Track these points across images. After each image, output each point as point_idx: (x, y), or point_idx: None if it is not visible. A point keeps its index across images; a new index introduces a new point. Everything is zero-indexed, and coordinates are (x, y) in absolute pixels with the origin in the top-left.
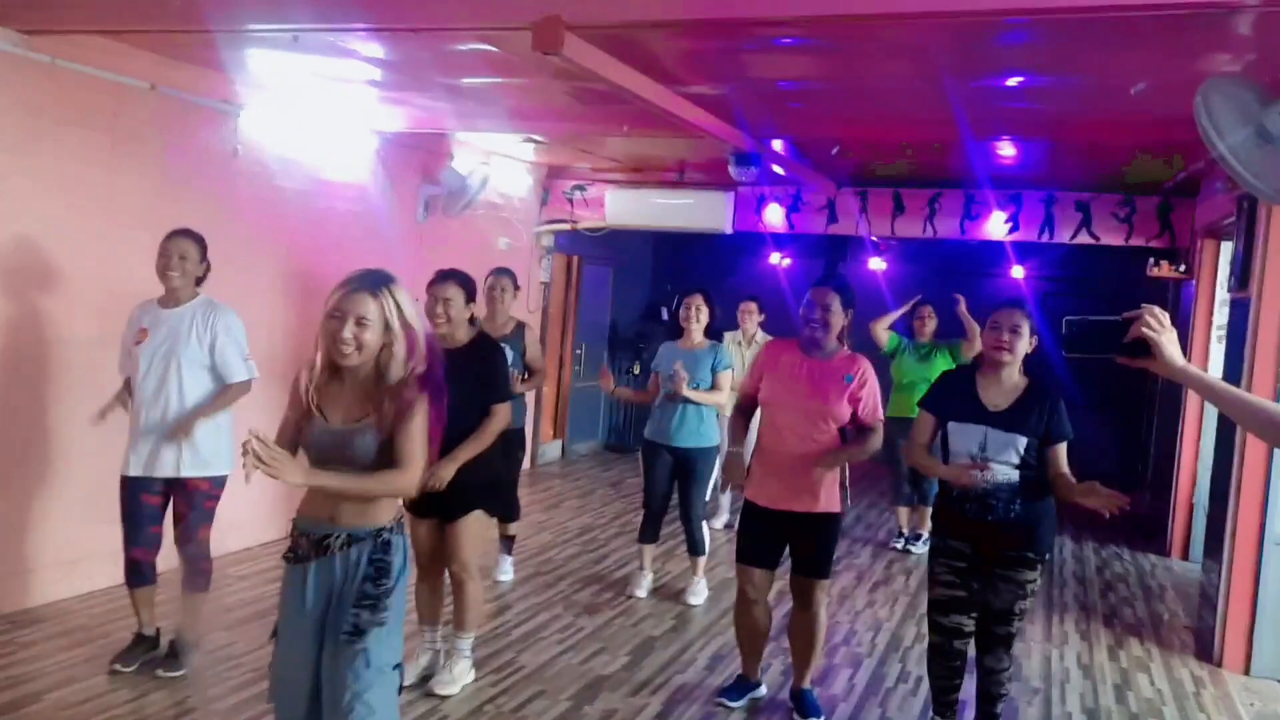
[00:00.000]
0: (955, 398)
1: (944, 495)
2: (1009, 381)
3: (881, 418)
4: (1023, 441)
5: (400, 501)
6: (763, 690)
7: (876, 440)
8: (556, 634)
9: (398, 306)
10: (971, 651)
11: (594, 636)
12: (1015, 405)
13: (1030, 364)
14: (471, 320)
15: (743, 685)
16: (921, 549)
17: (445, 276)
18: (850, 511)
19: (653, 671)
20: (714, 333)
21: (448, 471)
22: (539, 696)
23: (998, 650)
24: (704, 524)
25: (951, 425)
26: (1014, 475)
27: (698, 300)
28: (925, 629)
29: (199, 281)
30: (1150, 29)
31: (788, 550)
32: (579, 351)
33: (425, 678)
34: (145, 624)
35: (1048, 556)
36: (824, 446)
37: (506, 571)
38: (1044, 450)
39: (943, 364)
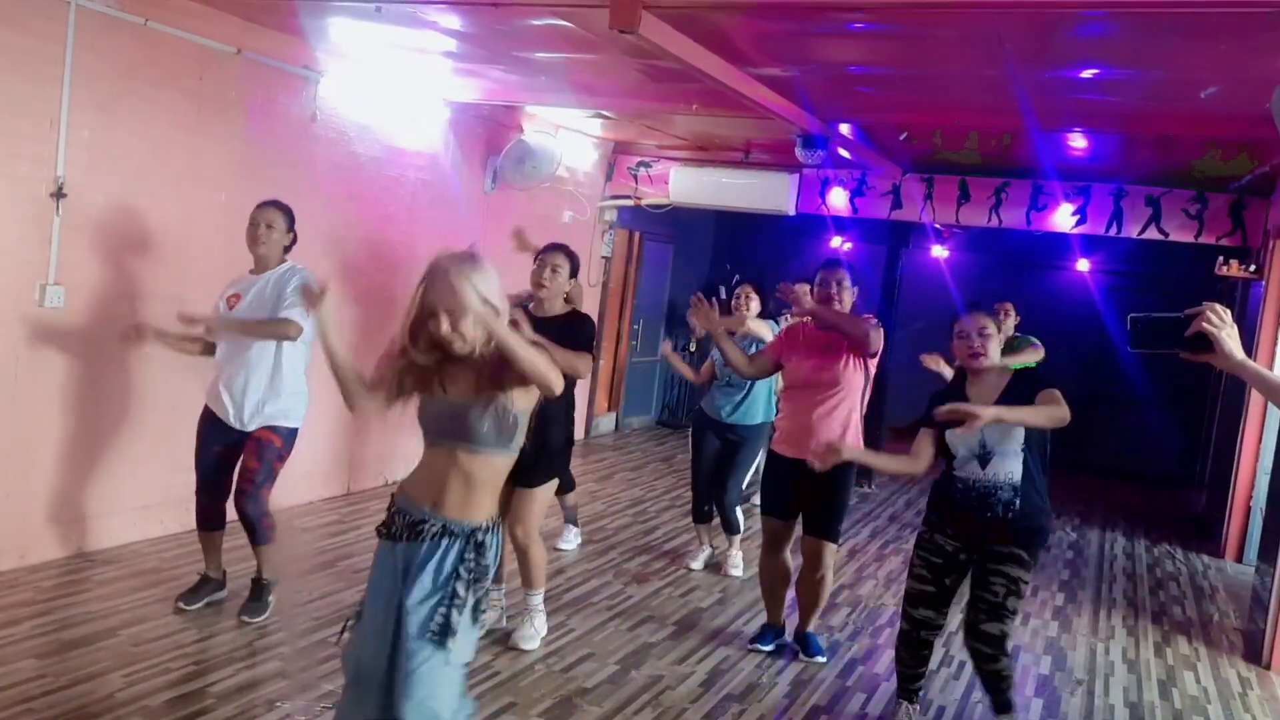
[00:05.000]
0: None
1: (944, 487)
2: (993, 378)
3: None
4: (1019, 431)
5: (497, 503)
6: (786, 637)
7: (861, 327)
8: (606, 600)
9: (474, 287)
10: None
11: (642, 605)
12: (1004, 395)
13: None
14: (567, 299)
15: (768, 633)
16: None
17: (557, 248)
18: (901, 497)
19: (699, 641)
20: (774, 312)
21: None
22: (588, 659)
23: (990, 651)
24: (739, 508)
25: (949, 434)
26: (1016, 472)
27: (747, 290)
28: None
29: (287, 250)
30: (1230, 25)
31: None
32: (636, 327)
33: (488, 633)
34: (211, 567)
35: (1035, 563)
36: (837, 407)
37: (571, 541)
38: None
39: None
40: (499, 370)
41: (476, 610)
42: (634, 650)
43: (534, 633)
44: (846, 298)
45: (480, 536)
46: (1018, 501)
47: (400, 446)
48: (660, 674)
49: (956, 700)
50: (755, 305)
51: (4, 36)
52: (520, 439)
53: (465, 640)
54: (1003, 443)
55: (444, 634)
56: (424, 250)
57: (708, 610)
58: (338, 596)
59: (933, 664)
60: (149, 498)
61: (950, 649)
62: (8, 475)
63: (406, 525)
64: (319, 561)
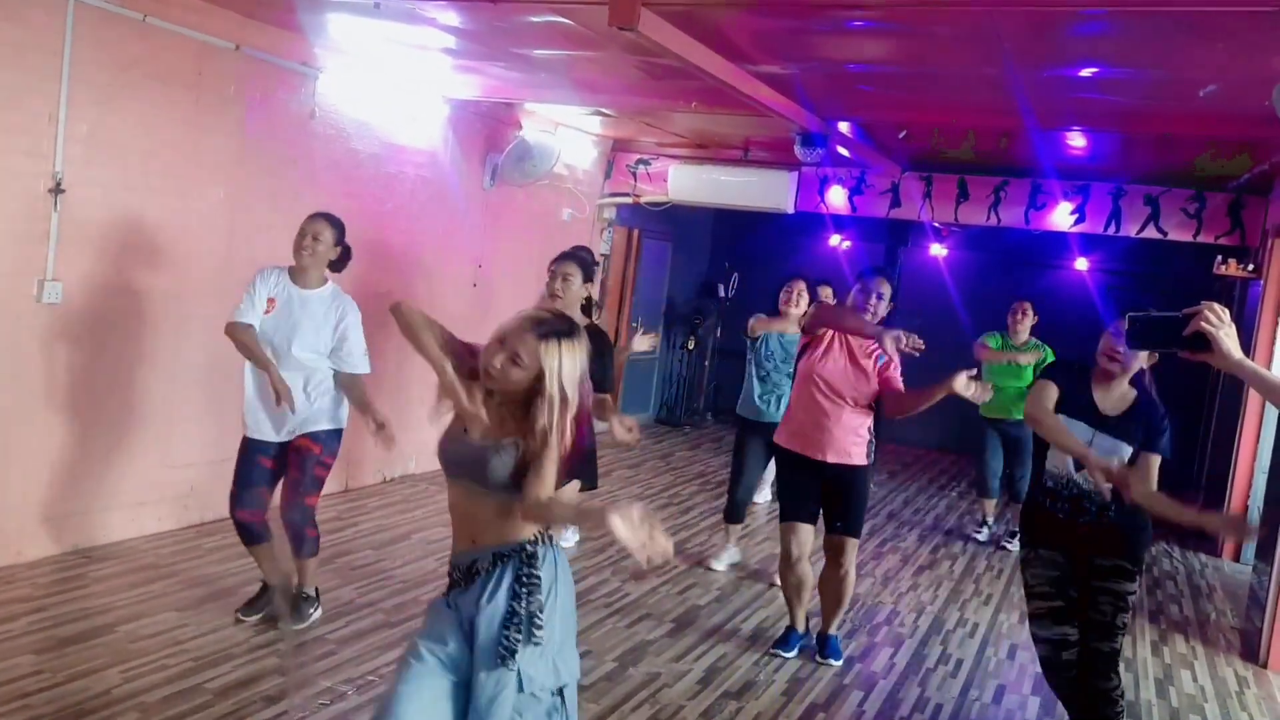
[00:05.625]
0: (1072, 390)
1: (1034, 498)
2: (1119, 390)
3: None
4: (1127, 452)
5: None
6: (810, 639)
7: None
8: (604, 598)
9: (560, 366)
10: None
11: (640, 602)
12: (1126, 414)
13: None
14: (586, 308)
15: (792, 636)
16: (1015, 547)
17: (568, 256)
18: (899, 496)
19: (696, 638)
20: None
21: None
22: (585, 656)
23: (1102, 668)
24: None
25: (1062, 419)
26: (1108, 486)
27: (800, 286)
28: (968, 614)
29: (332, 266)
30: (1230, 25)
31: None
32: (635, 324)
33: None
34: (268, 575)
35: (1143, 566)
36: (857, 409)
37: (569, 538)
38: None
39: (1031, 374)
40: (520, 422)
41: (532, 625)
42: (632, 647)
43: None
44: (882, 309)
45: (530, 549)
46: (1113, 508)
47: (399, 445)
48: (658, 671)
49: (954, 698)
50: (804, 302)
51: (3, 31)
52: None
53: (538, 661)
54: (1105, 458)
55: (507, 654)
56: (423, 247)
57: (705, 608)
58: (336, 593)
59: (930, 662)
60: (146, 494)
61: (948, 646)
62: (4, 471)
63: (464, 573)
64: (317, 558)
